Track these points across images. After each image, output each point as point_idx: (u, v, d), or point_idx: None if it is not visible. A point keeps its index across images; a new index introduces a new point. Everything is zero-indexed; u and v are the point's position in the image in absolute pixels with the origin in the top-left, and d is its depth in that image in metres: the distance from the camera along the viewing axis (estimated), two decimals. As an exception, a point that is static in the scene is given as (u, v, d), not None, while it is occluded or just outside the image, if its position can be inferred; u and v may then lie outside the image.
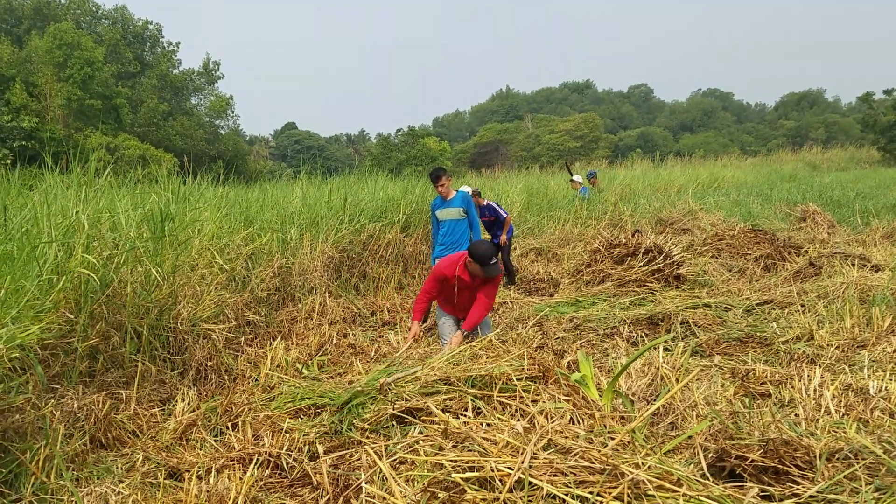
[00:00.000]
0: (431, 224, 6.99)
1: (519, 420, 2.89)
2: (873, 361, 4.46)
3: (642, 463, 2.40)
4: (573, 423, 2.95)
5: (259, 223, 7.72)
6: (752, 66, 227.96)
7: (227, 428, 4.00)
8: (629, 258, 8.04)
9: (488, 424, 2.88)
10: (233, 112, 45.02)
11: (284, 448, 3.50)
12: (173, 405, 4.43)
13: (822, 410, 3.53)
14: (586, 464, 2.41)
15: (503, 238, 9.15)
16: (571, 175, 14.76)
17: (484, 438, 2.65)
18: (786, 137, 64.59)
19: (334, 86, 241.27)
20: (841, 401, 3.67)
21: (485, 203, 9.42)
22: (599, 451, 2.47)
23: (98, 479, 3.45)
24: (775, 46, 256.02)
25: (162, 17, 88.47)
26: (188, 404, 4.44)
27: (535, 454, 2.47)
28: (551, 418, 2.92)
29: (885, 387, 3.81)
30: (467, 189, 8.90)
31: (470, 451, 2.62)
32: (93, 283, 4.30)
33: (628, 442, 2.69)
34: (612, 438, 2.65)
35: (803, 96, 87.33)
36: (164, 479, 3.40)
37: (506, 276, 9.46)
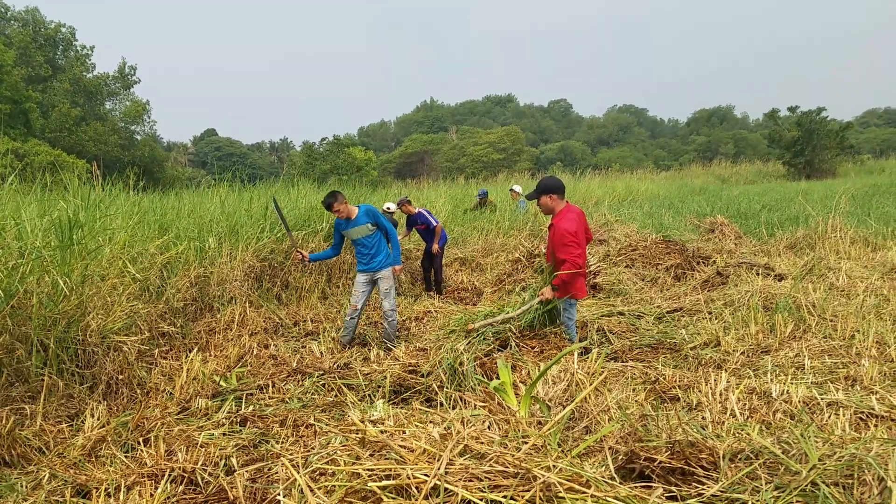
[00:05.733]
0: (333, 238, 6.73)
1: (436, 427, 2.92)
2: (776, 366, 4.73)
3: (554, 466, 2.47)
4: (489, 429, 3.00)
5: (175, 231, 7.48)
6: (665, 82, 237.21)
7: (139, 443, 3.88)
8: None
9: (406, 432, 2.89)
10: (149, 117, 43.56)
11: (199, 463, 3.40)
12: (82, 420, 4.28)
13: (728, 413, 3.72)
14: (500, 468, 2.46)
15: (435, 247, 9.24)
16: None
17: (401, 446, 2.67)
18: (697, 152, 66.93)
19: (257, 93, 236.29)
20: (745, 404, 3.87)
21: (416, 211, 9.49)
22: (513, 456, 2.53)
23: (1, 497, 3.31)
24: (687, 64, 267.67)
25: (76, 20, 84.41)
26: (98, 419, 4.28)
27: (451, 460, 2.51)
28: (468, 424, 2.97)
29: (787, 390, 4.05)
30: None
31: (387, 459, 2.64)
32: (-5, 295, 4.11)
33: (541, 446, 2.76)
34: (526, 443, 2.72)
35: (713, 112, 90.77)
36: (72, 496, 3.28)
37: (434, 286, 9.56)
